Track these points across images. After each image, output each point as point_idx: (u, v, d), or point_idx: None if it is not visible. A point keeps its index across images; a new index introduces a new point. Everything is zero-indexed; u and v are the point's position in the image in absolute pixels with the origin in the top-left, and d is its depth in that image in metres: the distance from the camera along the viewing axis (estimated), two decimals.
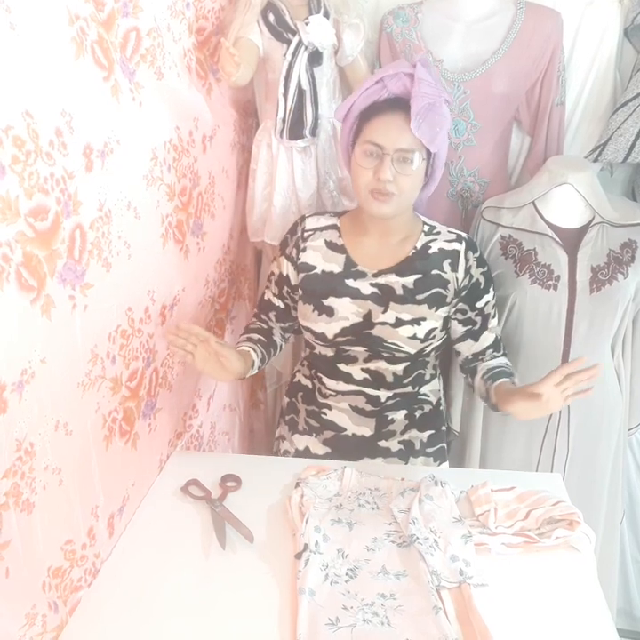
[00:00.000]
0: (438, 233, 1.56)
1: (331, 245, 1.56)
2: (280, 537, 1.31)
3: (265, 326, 1.67)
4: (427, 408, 1.65)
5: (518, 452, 1.84)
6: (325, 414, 1.63)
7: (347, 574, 1.20)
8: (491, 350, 1.59)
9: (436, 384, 1.69)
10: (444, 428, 1.72)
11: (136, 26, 1.24)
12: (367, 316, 1.52)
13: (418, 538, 1.23)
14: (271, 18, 1.66)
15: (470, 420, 1.88)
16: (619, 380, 1.81)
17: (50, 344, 1.01)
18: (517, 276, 1.71)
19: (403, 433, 1.62)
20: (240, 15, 1.64)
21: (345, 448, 1.62)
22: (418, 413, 1.63)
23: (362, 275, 1.53)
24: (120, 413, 1.28)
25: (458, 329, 1.58)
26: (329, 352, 1.57)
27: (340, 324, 1.52)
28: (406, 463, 1.63)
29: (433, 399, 1.67)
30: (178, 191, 1.46)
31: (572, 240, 1.71)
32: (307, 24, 1.64)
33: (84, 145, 1.07)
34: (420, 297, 1.52)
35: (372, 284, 1.52)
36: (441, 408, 1.71)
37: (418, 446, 1.63)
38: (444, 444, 1.71)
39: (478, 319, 1.57)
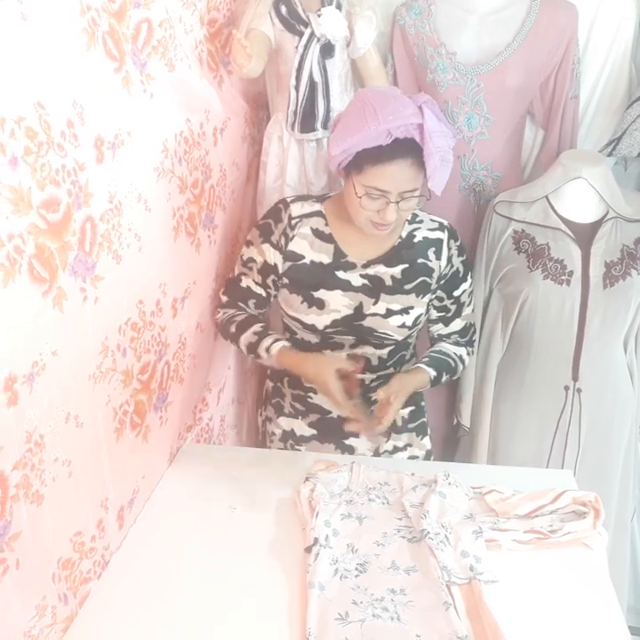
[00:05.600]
0: (421, 221, 1.57)
1: (318, 234, 1.54)
2: (290, 531, 1.31)
3: (247, 314, 1.60)
4: None
5: (529, 448, 1.83)
6: (311, 398, 1.64)
7: (356, 569, 1.19)
8: (456, 335, 1.63)
9: (414, 363, 1.68)
10: (423, 403, 1.73)
11: (148, 17, 1.23)
12: (358, 308, 1.52)
13: (429, 533, 1.23)
14: (283, 10, 1.65)
15: (480, 416, 1.88)
16: (631, 376, 1.80)
17: (61, 336, 1.01)
18: (530, 271, 1.70)
19: None
20: (252, 7, 1.63)
21: (330, 429, 1.63)
22: None
23: (351, 266, 1.53)
24: (131, 406, 1.28)
25: (432, 313, 1.60)
26: (314, 339, 1.57)
27: (331, 317, 1.52)
28: (388, 440, 1.65)
29: None
30: (189, 184, 1.46)
31: (585, 235, 1.69)
32: (319, 16, 1.63)
33: (95, 136, 1.07)
34: (408, 287, 1.53)
35: (362, 276, 1.52)
36: None
37: (400, 423, 1.65)
38: (425, 419, 1.73)
39: (453, 307, 1.60)
